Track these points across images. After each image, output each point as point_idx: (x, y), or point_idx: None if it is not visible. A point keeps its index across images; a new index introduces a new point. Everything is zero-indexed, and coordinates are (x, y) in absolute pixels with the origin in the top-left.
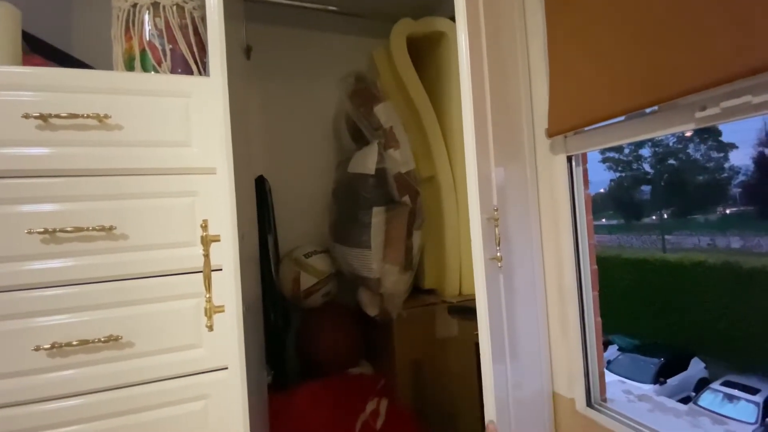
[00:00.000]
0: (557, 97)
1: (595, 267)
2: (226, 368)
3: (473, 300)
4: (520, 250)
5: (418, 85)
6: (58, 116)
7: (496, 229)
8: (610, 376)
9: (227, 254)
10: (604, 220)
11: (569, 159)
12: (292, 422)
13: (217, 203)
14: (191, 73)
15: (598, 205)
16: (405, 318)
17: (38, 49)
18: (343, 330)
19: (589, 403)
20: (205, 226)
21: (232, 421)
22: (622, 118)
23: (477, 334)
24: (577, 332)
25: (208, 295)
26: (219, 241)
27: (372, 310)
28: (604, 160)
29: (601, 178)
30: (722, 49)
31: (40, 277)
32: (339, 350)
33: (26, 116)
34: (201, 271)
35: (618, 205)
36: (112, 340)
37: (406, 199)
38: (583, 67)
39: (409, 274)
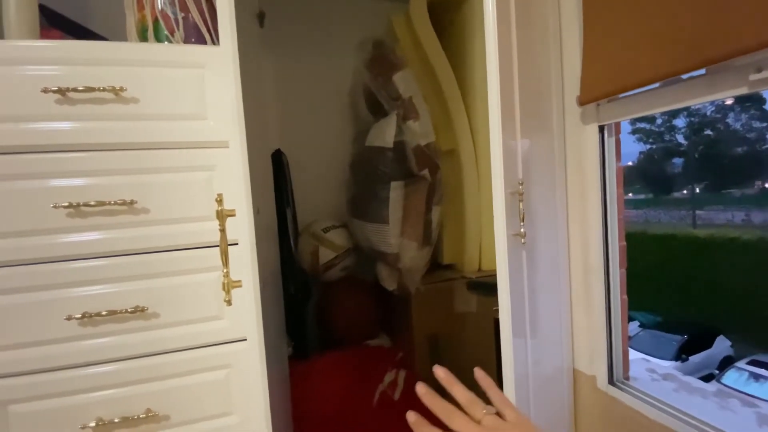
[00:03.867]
0: (591, 61)
1: (624, 243)
2: (245, 340)
3: (493, 276)
4: (545, 226)
5: (439, 51)
6: (75, 90)
7: (521, 204)
8: (632, 354)
9: (243, 229)
10: (630, 194)
11: (601, 129)
12: (313, 390)
13: (232, 177)
14: (205, 42)
15: (625, 179)
16: (423, 293)
17: (56, 23)
18: (361, 303)
19: (611, 381)
20: (220, 201)
21: (252, 390)
22: (659, 83)
23: (496, 310)
24: (601, 310)
25: (225, 270)
26: (234, 215)
27: (390, 285)
28: (634, 132)
29: (630, 150)
30: None
31: (69, 250)
32: (357, 323)
33: (45, 90)
34: (219, 246)
35: (646, 178)
36: (138, 311)
37: (426, 173)
38: (622, 27)
39: (428, 250)
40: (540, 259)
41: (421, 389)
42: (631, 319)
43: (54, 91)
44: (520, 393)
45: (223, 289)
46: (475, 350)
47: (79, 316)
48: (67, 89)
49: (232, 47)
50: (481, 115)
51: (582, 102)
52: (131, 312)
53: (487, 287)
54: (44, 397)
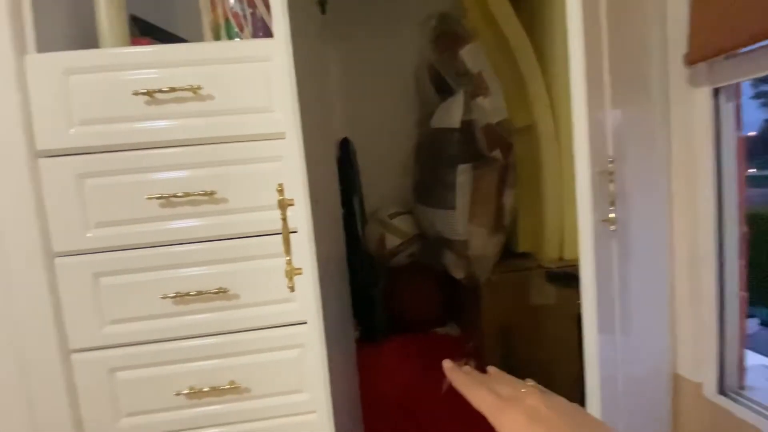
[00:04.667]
0: (703, 7)
1: (745, 229)
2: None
3: (577, 266)
4: (641, 210)
5: (512, 17)
6: (161, 91)
7: (611, 185)
8: (751, 358)
9: (301, 218)
10: (754, 170)
11: (715, 92)
12: (381, 373)
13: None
14: (272, 35)
15: (748, 152)
16: (494, 282)
17: (146, 31)
18: (428, 290)
19: (721, 390)
20: (281, 190)
21: (316, 370)
22: None
23: (580, 304)
24: (711, 307)
25: (288, 258)
26: (293, 205)
27: (458, 273)
28: (757, 95)
29: (752, 118)
30: None
31: (162, 236)
32: (424, 310)
33: (135, 93)
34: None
35: None
36: (221, 292)
37: (497, 153)
38: None
39: (500, 237)
40: (634, 248)
41: (447, 364)
42: (750, 315)
43: (143, 93)
44: (607, 396)
45: (286, 275)
46: (555, 346)
47: (173, 295)
48: (154, 91)
49: (285, 37)
50: (562, 86)
51: (690, 61)
52: (215, 293)
53: (569, 278)
54: (145, 366)
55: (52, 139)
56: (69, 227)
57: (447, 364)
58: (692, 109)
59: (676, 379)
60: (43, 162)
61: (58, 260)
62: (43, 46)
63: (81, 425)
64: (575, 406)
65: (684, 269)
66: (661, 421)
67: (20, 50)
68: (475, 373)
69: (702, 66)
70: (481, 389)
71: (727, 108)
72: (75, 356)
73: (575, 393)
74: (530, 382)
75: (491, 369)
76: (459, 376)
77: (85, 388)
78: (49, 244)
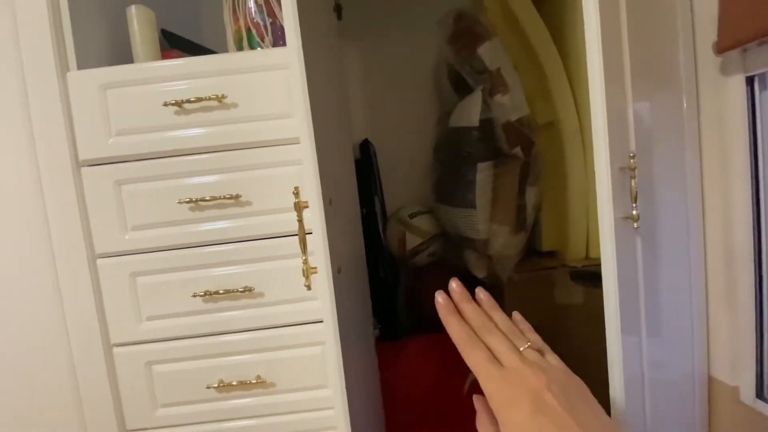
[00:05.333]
0: None
1: None
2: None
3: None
4: (668, 206)
5: (531, 11)
6: (188, 101)
7: (633, 181)
8: None
9: (315, 219)
10: None
11: (749, 81)
12: (403, 371)
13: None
14: None
15: None
16: (517, 282)
17: (175, 44)
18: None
19: (759, 395)
20: (297, 193)
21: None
22: None
23: None
24: (750, 306)
25: (304, 257)
26: (308, 206)
27: (479, 273)
28: None
29: None
30: None
31: (192, 238)
32: None
33: (166, 104)
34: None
35: None
36: (247, 291)
37: (518, 151)
38: None
39: (522, 235)
40: (662, 245)
41: (441, 299)
42: None
43: (173, 104)
44: (632, 397)
45: (303, 275)
46: (583, 346)
47: (202, 293)
48: (183, 101)
49: (297, 46)
50: (585, 81)
51: (721, 48)
52: (242, 291)
53: (595, 277)
54: (179, 360)
55: (93, 149)
56: (109, 230)
57: (441, 299)
58: (724, 99)
59: (711, 383)
60: (85, 171)
61: (99, 261)
62: (82, 63)
63: (122, 414)
64: (577, 383)
65: (719, 267)
66: (695, 426)
67: (63, 68)
68: (472, 310)
69: (734, 53)
70: (476, 350)
71: (764, 96)
72: (116, 350)
73: (602, 394)
74: (531, 336)
75: (496, 314)
76: (453, 325)
77: (125, 379)
78: (91, 246)
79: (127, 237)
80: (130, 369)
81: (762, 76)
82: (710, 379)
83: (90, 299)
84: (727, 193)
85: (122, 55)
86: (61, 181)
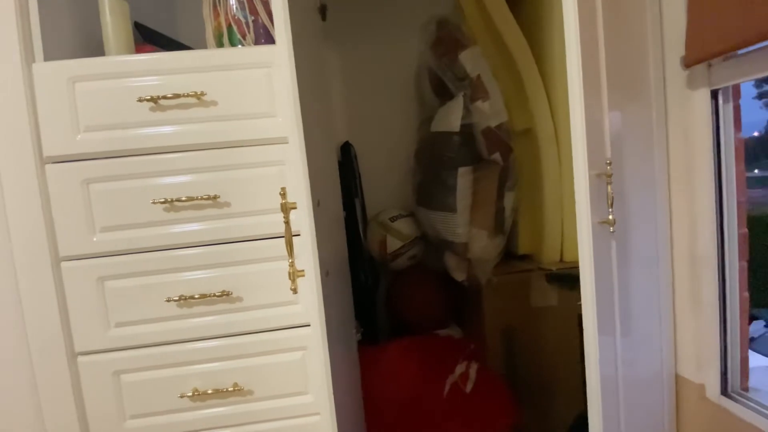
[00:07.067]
0: (700, 9)
1: (745, 230)
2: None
3: (577, 267)
4: (640, 211)
5: (510, 21)
6: (165, 97)
7: (609, 187)
8: (754, 360)
9: (303, 221)
10: (757, 171)
11: (714, 94)
12: (383, 375)
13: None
14: (274, 42)
15: (751, 153)
16: (496, 284)
17: (150, 38)
18: (430, 293)
19: (724, 391)
20: (283, 194)
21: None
22: None
23: (581, 305)
24: (713, 308)
25: (291, 260)
26: (296, 208)
27: (459, 275)
28: (760, 96)
29: (756, 118)
30: None
31: (166, 240)
32: (426, 312)
33: (140, 100)
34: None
35: None
36: (224, 295)
37: (497, 156)
38: None
39: (500, 239)
40: (634, 250)
41: None
42: (755, 318)
43: (148, 100)
44: (608, 396)
45: (289, 278)
46: (558, 347)
47: (177, 298)
48: (159, 97)
49: (287, 45)
50: (561, 89)
51: (688, 63)
52: (219, 296)
53: (569, 279)
54: (149, 369)
55: (59, 145)
56: (75, 232)
57: None
58: (691, 111)
59: (679, 381)
60: (50, 168)
61: (64, 264)
62: (49, 55)
63: (87, 426)
64: None
65: (685, 270)
66: (663, 422)
67: (28, 59)
68: None
69: (700, 68)
70: None
71: (726, 109)
72: (81, 359)
73: (578, 393)
74: None
75: None
76: None
77: (90, 390)
78: (55, 248)
79: (95, 239)
80: (96, 379)
81: (726, 89)
82: (677, 377)
83: (53, 305)
84: (692, 199)
85: (93, 47)
86: (22, 178)
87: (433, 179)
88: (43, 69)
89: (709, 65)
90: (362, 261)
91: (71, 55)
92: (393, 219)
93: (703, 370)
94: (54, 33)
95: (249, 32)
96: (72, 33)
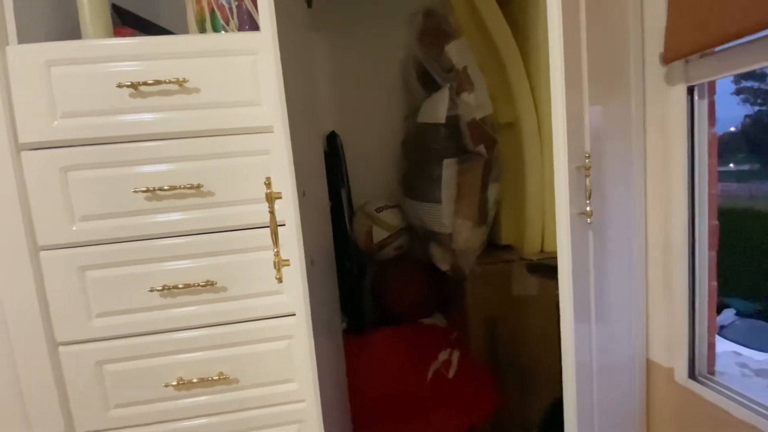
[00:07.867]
0: (679, 7)
1: (716, 222)
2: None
3: (556, 258)
4: (617, 203)
5: (497, 14)
6: (145, 83)
7: (587, 180)
8: (723, 346)
9: (288, 210)
10: (732, 165)
11: (690, 90)
12: (367, 364)
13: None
14: (258, 29)
15: (726, 148)
16: (479, 274)
17: (128, 21)
18: (415, 282)
19: (691, 375)
20: (268, 184)
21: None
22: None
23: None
24: (683, 296)
25: (276, 249)
26: (281, 198)
27: (444, 266)
28: (738, 92)
29: (733, 114)
30: None
31: (148, 229)
32: (411, 301)
33: (120, 86)
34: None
35: (754, 146)
36: (209, 285)
37: (481, 148)
38: None
39: (484, 230)
40: (610, 240)
41: None
42: (726, 306)
43: (127, 86)
44: (583, 381)
45: (274, 267)
46: (538, 335)
47: (160, 288)
48: (139, 83)
49: (272, 31)
50: (545, 84)
51: (667, 59)
52: (203, 285)
53: (549, 269)
54: (133, 359)
55: (35, 131)
56: (54, 221)
57: None
58: (668, 106)
59: (650, 365)
60: (26, 155)
61: (43, 254)
62: (24, 37)
63: (71, 416)
64: None
65: (658, 259)
66: (635, 404)
67: (1, 41)
68: None
69: (678, 64)
70: None
71: (701, 105)
72: (62, 349)
73: (557, 379)
74: None
75: None
76: None
77: (73, 380)
78: (33, 238)
79: (74, 228)
80: (79, 369)
81: (701, 86)
82: (649, 362)
83: (32, 295)
84: (667, 191)
85: (69, 30)
86: None
87: (419, 170)
88: (17, 52)
89: (687, 61)
90: (348, 251)
91: (46, 37)
92: (379, 209)
93: (673, 354)
94: (29, 14)
95: (233, 18)
96: (47, 14)
